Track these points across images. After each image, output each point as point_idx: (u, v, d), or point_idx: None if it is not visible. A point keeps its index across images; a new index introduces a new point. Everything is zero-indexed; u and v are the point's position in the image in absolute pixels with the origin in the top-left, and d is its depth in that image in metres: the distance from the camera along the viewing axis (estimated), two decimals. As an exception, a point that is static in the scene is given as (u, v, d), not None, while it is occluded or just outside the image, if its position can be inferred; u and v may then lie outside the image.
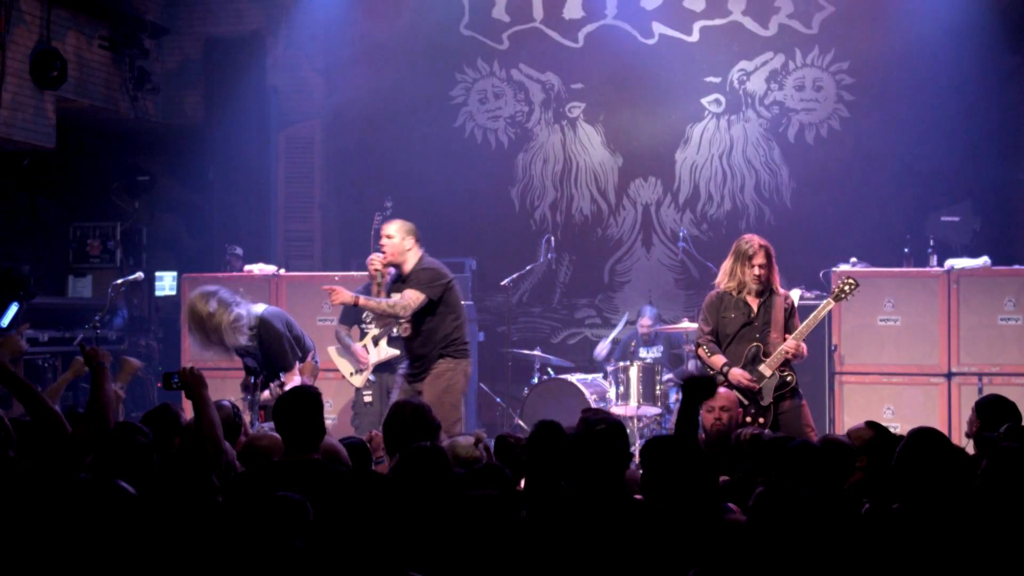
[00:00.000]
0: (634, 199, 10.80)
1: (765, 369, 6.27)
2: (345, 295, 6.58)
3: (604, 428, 3.99)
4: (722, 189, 10.62)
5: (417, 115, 10.82)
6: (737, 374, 6.26)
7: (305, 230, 11.11)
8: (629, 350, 9.31)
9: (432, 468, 3.78)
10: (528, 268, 9.98)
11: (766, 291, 6.40)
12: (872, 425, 4.74)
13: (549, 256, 9.96)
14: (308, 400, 4.27)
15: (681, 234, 10.02)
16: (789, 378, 6.29)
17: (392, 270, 6.92)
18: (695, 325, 9.06)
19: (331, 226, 11.01)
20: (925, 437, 3.80)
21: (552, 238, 10.06)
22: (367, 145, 11.01)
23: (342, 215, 10.97)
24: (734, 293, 6.41)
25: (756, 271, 6.34)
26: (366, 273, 7.73)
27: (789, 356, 6.28)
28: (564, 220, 10.88)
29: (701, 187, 10.67)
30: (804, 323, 6.34)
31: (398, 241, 6.67)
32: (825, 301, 6.50)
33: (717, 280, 6.60)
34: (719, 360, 6.33)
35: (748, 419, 6.11)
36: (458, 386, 6.71)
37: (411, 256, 6.71)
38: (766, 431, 5.49)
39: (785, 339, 6.30)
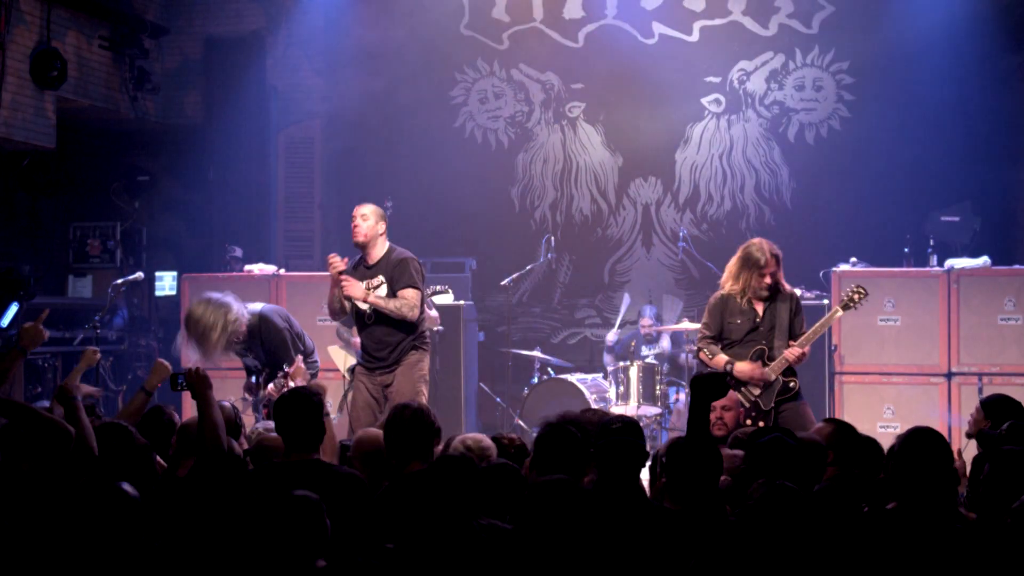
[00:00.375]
0: (634, 199, 10.80)
1: (769, 374, 6.19)
2: (357, 289, 6.44)
3: (620, 427, 3.93)
4: (722, 189, 10.62)
5: (417, 115, 10.81)
6: (745, 368, 6.17)
7: (305, 230, 11.09)
8: (630, 350, 9.31)
9: (463, 478, 3.64)
10: (528, 268, 9.95)
11: (773, 294, 6.32)
12: (832, 421, 4.75)
13: (549, 256, 9.95)
14: (307, 400, 4.27)
15: (681, 234, 10.02)
16: (792, 384, 6.22)
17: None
18: (696, 325, 9.08)
19: (331, 226, 10.98)
20: (922, 437, 3.77)
21: (552, 238, 10.05)
22: (367, 145, 10.99)
23: (342, 215, 10.76)
24: (739, 297, 6.31)
25: (767, 280, 6.24)
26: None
27: (792, 363, 6.21)
28: (564, 220, 10.90)
29: (701, 187, 10.67)
30: (810, 330, 6.26)
31: (372, 223, 6.56)
32: (832, 310, 6.44)
33: (722, 280, 6.47)
34: (721, 359, 6.23)
35: (748, 422, 6.03)
36: (427, 377, 6.67)
37: (380, 242, 6.62)
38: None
39: (790, 344, 6.23)
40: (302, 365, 6.45)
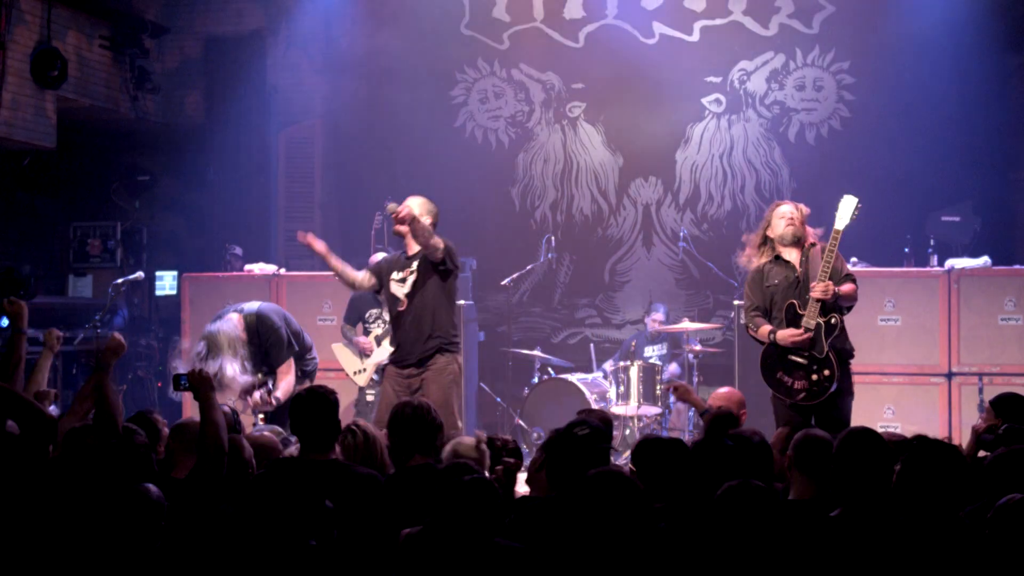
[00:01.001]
0: (634, 199, 10.80)
1: (808, 321, 5.96)
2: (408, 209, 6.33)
3: (588, 434, 3.88)
4: (722, 189, 10.61)
5: (417, 115, 10.78)
6: (784, 334, 6.00)
7: (305, 230, 10.77)
8: (630, 349, 9.27)
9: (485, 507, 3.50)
10: (528, 268, 9.93)
11: (803, 241, 6.13)
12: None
13: (549, 256, 9.90)
14: (324, 400, 4.27)
15: (682, 234, 9.99)
16: (834, 320, 5.96)
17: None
18: (697, 325, 9.18)
19: (331, 226, 10.91)
20: (858, 440, 3.71)
21: (552, 238, 10.01)
22: (367, 145, 10.97)
23: (342, 215, 10.94)
24: (771, 260, 6.18)
25: (788, 217, 6.11)
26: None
27: (823, 298, 5.93)
28: (564, 220, 10.90)
29: (701, 187, 10.67)
30: (822, 260, 5.96)
31: (416, 215, 6.42)
32: (833, 231, 5.99)
33: (744, 257, 6.35)
34: (765, 329, 6.09)
35: (814, 376, 5.93)
36: (458, 380, 6.60)
37: None
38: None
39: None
40: (266, 398, 6.44)
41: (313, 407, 4.24)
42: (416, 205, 6.46)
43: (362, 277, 6.65)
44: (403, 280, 6.54)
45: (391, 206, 6.30)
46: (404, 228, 6.44)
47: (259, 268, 9.52)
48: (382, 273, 6.66)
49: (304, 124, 11.04)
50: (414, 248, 6.53)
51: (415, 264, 6.53)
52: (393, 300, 6.59)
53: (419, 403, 4.65)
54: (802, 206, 6.26)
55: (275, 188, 11.01)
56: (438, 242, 6.34)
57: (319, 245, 6.59)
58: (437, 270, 6.46)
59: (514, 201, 11.00)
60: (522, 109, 10.97)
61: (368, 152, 10.98)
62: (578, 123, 10.93)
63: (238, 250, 9.89)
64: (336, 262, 6.59)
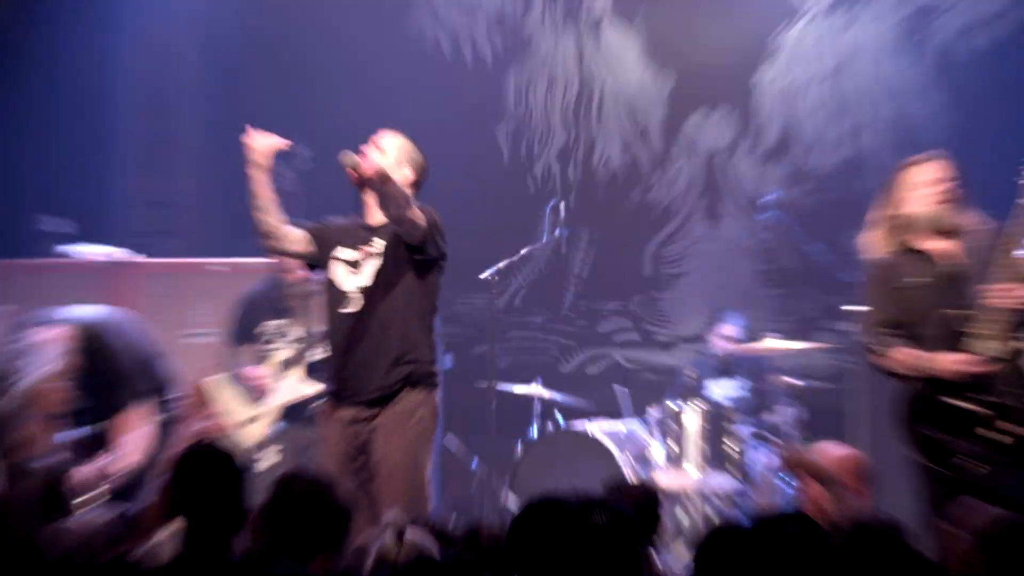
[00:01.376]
0: (692, 144, 10.57)
1: (988, 345, 5.57)
2: (377, 162, 5.99)
3: (608, 522, 3.62)
4: (830, 129, 10.37)
5: (349, 12, 10.62)
6: (946, 362, 5.57)
7: (166, 192, 10.84)
8: (690, 382, 8.76)
9: None
10: (523, 252, 9.12)
11: (956, 227, 5.78)
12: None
13: (557, 233, 9.39)
14: (224, 465, 4.24)
15: (767, 199, 9.44)
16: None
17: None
18: (792, 345, 9.05)
19: (211, 186, 10.56)
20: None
21: (562, 205, 9.47)
22: (270, 62, 10.75)
23: (229, 169, 10.10)
24: (901, 251, 5.85)
25: (938, 186, 5.69)
26: (264, 261, 7.69)
27: (1015, 305, 5.54)
28: (581, 177, 10.74)
29: (798, 127, 10.42)
30: (1004, 253, 5.62)
31: (390, 163, 6.04)
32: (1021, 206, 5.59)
33: (870, 243, 5.98)
34: (905, 355, 5.71)
35: (991, 433, 5.53)
36: (431, 435, 6.26)
37: None
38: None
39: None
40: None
41: (206, 476, 4.17)
42: (392, 148, 6.15)
43: (295, 235, 6.18)
44: (356, 264, 6.15)
45: (348, 157, 5.93)
46: (366, 171, 6.10)
47: (89, 251, 9.21)
48: (325, 240, 6.22)
49: (168, 29, 10.81)
50: (378, 217, 6.09)
51: (379, 242, 6.11)
52: (336, 294, 6.17)
53: (316, 477, 4.52)
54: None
55: (120, 128, 10.70)
56: (418, 215, 5.92)
57: (259, 146, 6.08)
58: (413, 257, 6.05)
59: (501, 147, 10.84)
60: (513, 3, 10.82)
61: (272, 72, 10.71)
62: (601, 26, 10.73)
63: (59, 226, 9.39)
64: (266, 187, 6.09)
